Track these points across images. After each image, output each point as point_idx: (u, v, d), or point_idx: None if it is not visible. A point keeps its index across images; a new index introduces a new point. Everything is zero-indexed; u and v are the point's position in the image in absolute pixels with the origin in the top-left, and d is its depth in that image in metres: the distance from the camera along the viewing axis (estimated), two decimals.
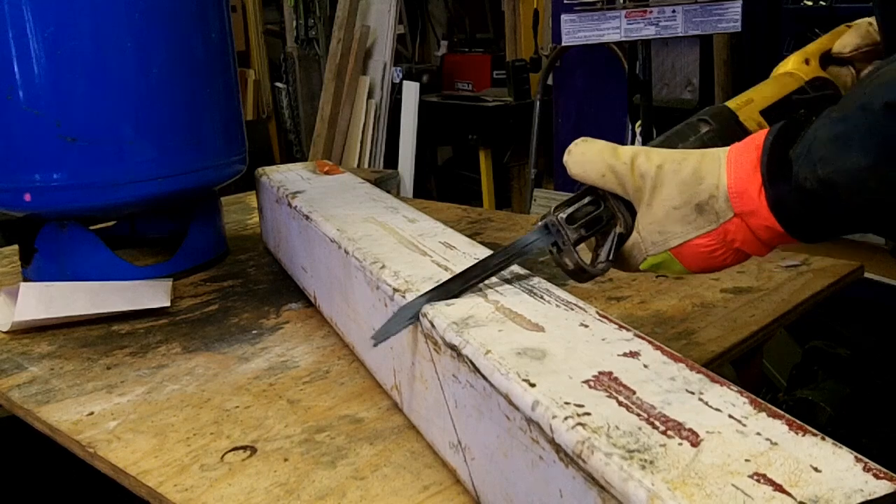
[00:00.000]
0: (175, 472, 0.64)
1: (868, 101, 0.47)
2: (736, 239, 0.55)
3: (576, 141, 0.61)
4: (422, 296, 0.61)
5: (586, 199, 0.60)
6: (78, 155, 1.01)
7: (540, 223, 0.62)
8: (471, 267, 0.63)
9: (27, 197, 1.03)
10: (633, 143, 2.54)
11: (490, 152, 3.40)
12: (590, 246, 0.62)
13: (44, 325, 0.96)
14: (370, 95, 3.72)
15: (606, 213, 0.60)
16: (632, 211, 0.59)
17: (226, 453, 0.66)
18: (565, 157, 0.61)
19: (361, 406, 0.73)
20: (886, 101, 0.45)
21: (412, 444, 0.65)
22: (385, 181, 3.12)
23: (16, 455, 1.20)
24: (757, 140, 0.53)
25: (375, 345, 0.61)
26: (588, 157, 0.59)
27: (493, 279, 0.65)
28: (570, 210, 0.60)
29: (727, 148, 0.55)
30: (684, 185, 0.55)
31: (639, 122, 2.26)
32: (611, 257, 0.60)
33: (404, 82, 3.69)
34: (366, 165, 3.65)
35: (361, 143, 3.70)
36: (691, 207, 0.55)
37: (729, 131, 0.61)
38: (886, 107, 0.45)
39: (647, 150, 0.58)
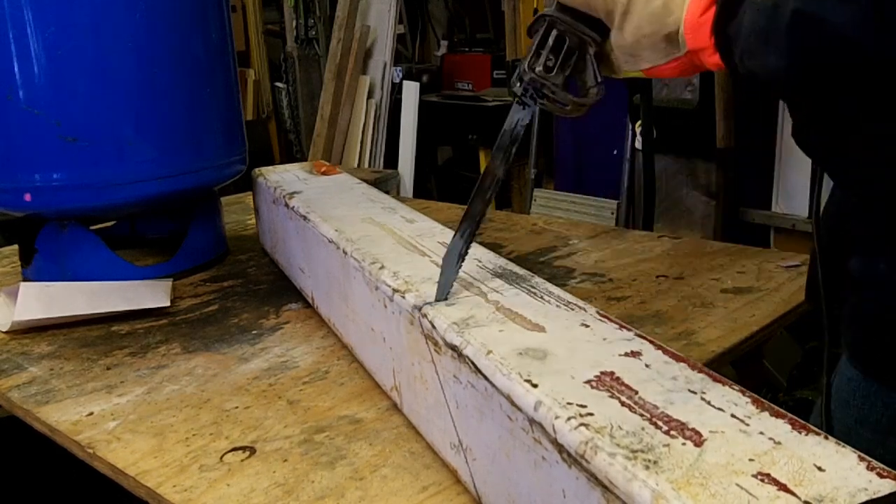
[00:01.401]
0: (174, 472, 0.64)
1: (779, 1, 0.46)
2: (699, 64, 0.56)
3: None
4: (455, 235, 0.63)
5: (551, 41, 0.60)
6: (78, 155, 1.01)
7: (518, 89, 0.62)
8: (480, 180, 0.64)
9: (27, 197, 1.02)
10: (633, 143, 2.54)
11: (490, 152, 3.39)
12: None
13: (43, 325, 0.95)
14: (370, 95, 3.72)
15: (575, 39, 0.59)
16: (599, 29, 0.59)
17: (225, 454, 0.66)
18: None
19: (361, 406, 0.72)
20: (794, 9, 0.45)
21: (411, 445, 0.65)
22: (385, 181, 3.11)
23: (16, 455, 1.19)
24: None
25: (438, 300, 0.62)
26: None
27: (496, 281, 0.65)
28: (542, 59, 0.60)
29: None
30: (654, 15, 0.56)
31: (639, 122, 2.26)
32: (599, 79, 0.60)
33: (404, 82, 3.69)
34: (366, 165, 3.65)
35: (361, 143, 3.70)
36: (660, 37, 0.56)
37: None
38: (794, 14, 0.45)
39: None
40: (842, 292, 0.58)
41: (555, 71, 0.59)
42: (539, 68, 0.59)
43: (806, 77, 0.47)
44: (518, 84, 0.62)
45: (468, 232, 0.63)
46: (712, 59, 0.54)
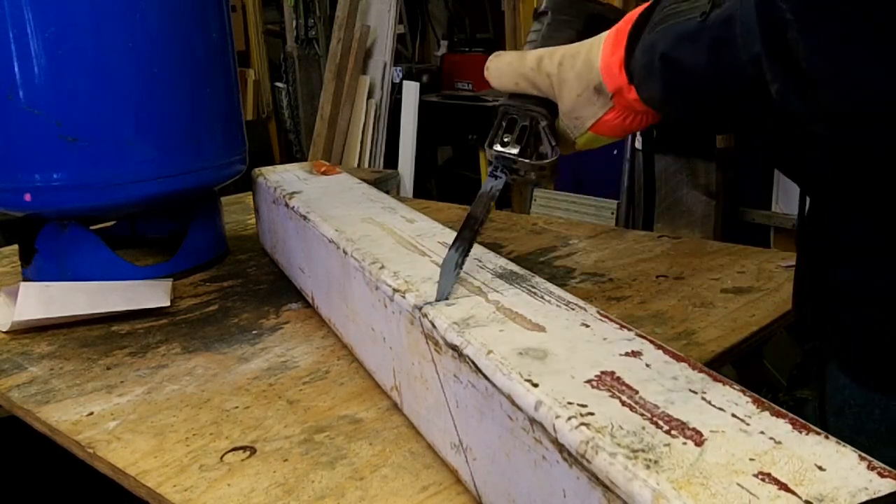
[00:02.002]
0: (174, 472, 0.64)
1: (656, 41, 0.53)
2: (629, 105, 0.60)
3: (490, 57, 0.68)
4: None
5: (504, 124, 0.68)
6: (78, 155, 1.01)
7: (489, 168, 0.69)
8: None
9: (27, 197, 1.02)
10: (634, 143, 2.54)
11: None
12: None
13: (43, 324, 0.95)
14: (370, 95, 3.72)
15: (525, 118, 0.67)
16: (549, 105, 0.66)
17: (225, 453, 0.66)
18: (486, 73, 0.69)
19: (361, 406, 0.72)
20: (661, 52, 0.52)
21: (411, 445, 0.65)
22: (385, 181, 3.12)
23: (16, 455, 1.19)
24: (622, 23, 0.59)
25: (438, 300, 0.64)
26: (502, 70, 0.67)
27: (496, 281, 0.65)
28: (503, 139, 0.67)
29: (611, 30, 0.61)
30: (580, 75, 0.61)
31: None
32: (553, 144, 0.67)
33: (404, 82, 3.69)
34: (366, 165, 3.65)
35: (361, 143, 3.70)
36: (591, 92, 0.61)
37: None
38: (661, 56, 0.52)
39: (549, 51, 0.64)
40: (830, 302, 0.58)
41: (512, 145, 0.67)
42: (499, 147, 0.67)
43: (676, 105, 0.55)
44: (490, 162, 0.70)
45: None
46: (632, 96, 0.59)
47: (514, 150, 0.66)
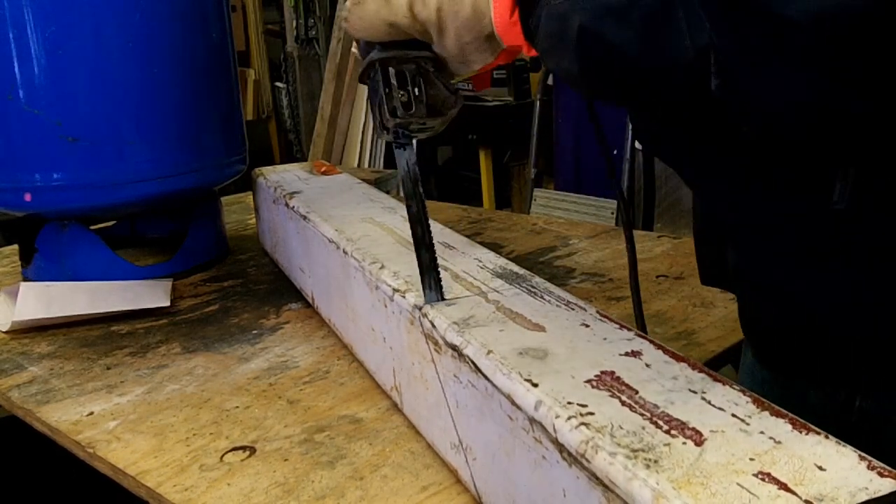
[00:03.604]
0: (174, 472, 0.64)
1: (569, 10, 0.48)
2: (522, 53, 0.57)
3: (347, 5, 0.61)
4: (417, 253, 0.63)
5: (393, 80, 0.60)
6: (79, 155, 1.01)
7: (388, 137, 0.63)
8: (410, 220, 0.63)
9: (27, 197, 1.02)
10: (633, 144, 2.54)
11: (490, 152, 3.40)
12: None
13: (43, 324, 0.95)
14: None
15: (412, 67, 0.60)
16: (426, 46, 0.60)
17: (225, 453, 0.66)
18: (344, 24, 0.62)
19: (361, 406, 0.72)
20: (580, 24, 0.47)
21: (411, 445, 0.65)
22: (385, 181, 3.11)
23: (16, 455, 1.19)
24: None
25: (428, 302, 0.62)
26: (367, 20, 0.60)
27: (496, 281, 0.65)
28: (396, 100, 0.60)
29: None
30: (468, 22, 0.57)
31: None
32: (451, 89, 0.61)
33: None
34: (366, 165, 3.65)
35: (361, 143, 3.70)
36: (481, 40, 0.58)
37: None
38: (580, 28, 0.47)
39: None
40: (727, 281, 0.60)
41: (414, 106, 0.60)
42: (400, 111, 0.60)
43: (593, 82, 0.50)
44: (385, 133, 0.63)
45: (424, 249, 0.63)
46: (531, 53, 0.56)
47: (421, 110, 0.60)
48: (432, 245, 0.62)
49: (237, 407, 0.74)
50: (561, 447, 0.42)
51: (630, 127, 2.42)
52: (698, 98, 0.43)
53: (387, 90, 0.60)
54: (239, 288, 1.08)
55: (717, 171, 0.54)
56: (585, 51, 0.47)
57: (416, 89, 0.60)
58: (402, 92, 0.59)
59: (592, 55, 0.47)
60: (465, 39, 0.58)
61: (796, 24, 0.35)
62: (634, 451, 0.39)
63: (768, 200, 0.51)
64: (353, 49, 0.66)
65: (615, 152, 2.63)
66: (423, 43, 0.60)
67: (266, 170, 1.17)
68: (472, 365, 0.52)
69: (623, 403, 0.43)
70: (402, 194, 0.64)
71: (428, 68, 0.60)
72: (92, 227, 1.11)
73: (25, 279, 1.12)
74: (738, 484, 0.36)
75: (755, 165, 0.50)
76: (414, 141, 0.62)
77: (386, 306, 0.67)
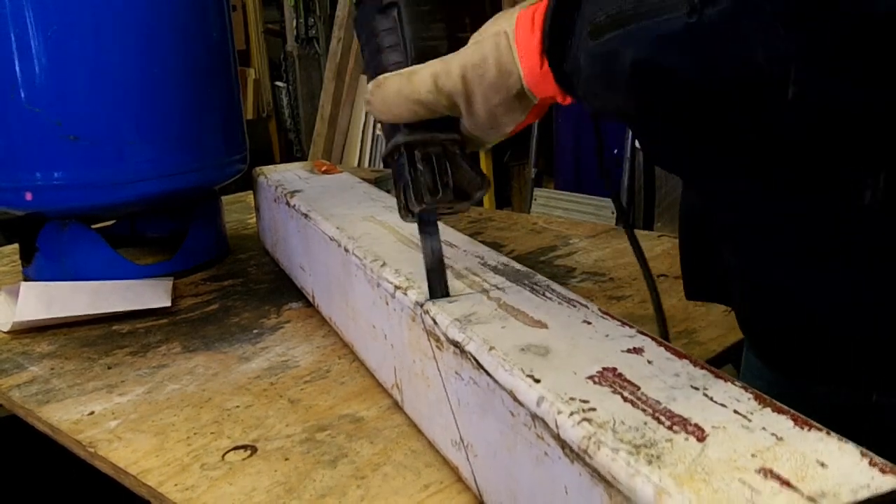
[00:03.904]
0: (175, 471, 0.64)
1: (618, 48, 0.45)
2: (558, 101, 0.55)
3: (370, 89, 0.59)
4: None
5: (420, 165, 0.57)
6: (79, 154, 1.01)
7: (411, 220, 0.61)
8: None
9: (28, 196, 1.02)
10: (633, 143, 2.54)
11: (490, 152, 3.40)
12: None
13: (44, 324, 0.95)
14: None
15: (438, 150, 0.58)
16: (452, 125, 0.57)
17: (226, 453, 0.66)
18: (368, 108, 0.59)
19: (362, 405, 0.72)
20: (634, 59, 0.44)
21: (413, 443, 0.65)
22: (385, 180, 3.11)
23: (16, 455, 1.19)
24: (537, 17, 0.52)
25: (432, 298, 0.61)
26: (391, 102, 0.57)
27: (497, 278, 0.65)
28: (423, 184, 0.57)
29: (513, 23, 0.53)
30: (496, 85, 0.54)
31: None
32: (479, 172, 0.59)
33: None
34: (366, 165, 3.65)
35: (361, 142, 3.70)
36: (511, 99, 0.54)
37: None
38: (634, 64, 0.44)
39: (442, 64, 0.55)
40: (724, 284, 0.60)
41: (441, 191, 0.57)
42: (427, 197, 0.57)
43: (651, 113, 0.48)
44: (410, 216, 0.61)
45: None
46: (566, 102, 0.53)
47: (447, 195, 0.57)
48: (440, 247, 0.61)
49: (238, 406, 0.74)
50: (563, 443, 0.42)
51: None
52: (769, 112, 0.41)
53: (412, 175, 0.58)
54: (239, 287, 1.08)
55: (717, 171, 0.54)
56: (641, 85, 0.45)
57: (443, 173, 0.57)
58: (427, 179, 0.57)
59: (650, 88, 0.45)
60: (493, 102, 0.54)
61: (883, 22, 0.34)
62: (637, 446, 0.39)
63: (769, 200, 0.51)
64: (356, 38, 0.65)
65: (615, 151, 2.63)
66: (449, 124, 0.58)
67: (267, 169, 1.18)
68: (473, 361, 0.52)
69: (625, 399, 0.43)
70: (427, 277, 0.61)
71: (454, 150, 0.58)
72: (92, 226, 1.11)
73: (26, 278, 1.12)
74: (740, 480, 0.36)
75: (757, 165, 0.50)
76: (438, 229, 0.61)
77: (387, 303, 0.67)
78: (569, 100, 0.53)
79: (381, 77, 0.58)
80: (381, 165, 3.64)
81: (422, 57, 0.57)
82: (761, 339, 0.60)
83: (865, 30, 0.36)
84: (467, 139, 0.59)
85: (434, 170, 0.57)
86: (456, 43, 0.57)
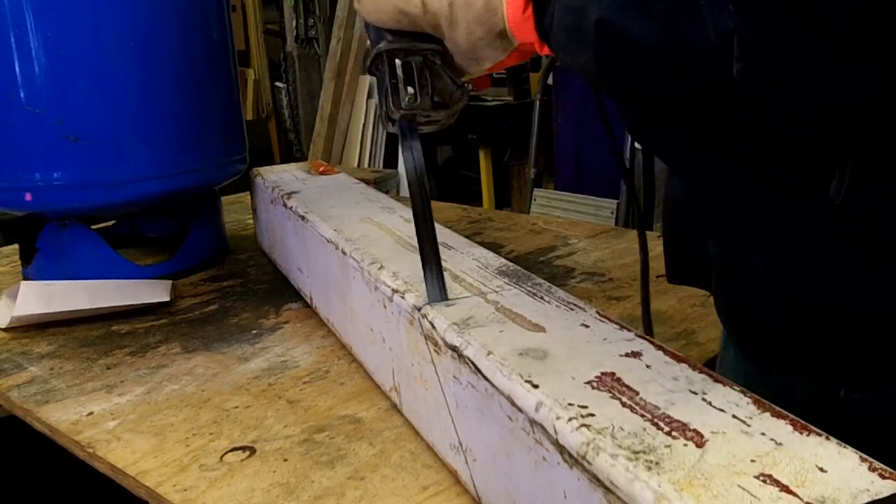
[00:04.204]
0: (174, 472, 0.64)
1: (585, 3, 0.47)
2: (535, 52, 0.56)
3: None
4: (420, 252, 0.62)
5: (400, 72, 0.59)
6: (79, 154, 1.01)
7: (393, 129, 0.62)
8: (416, 219, 0.62)
9: (28, 196, 1.02)
10: (633, 143, 2.54)
11: (490, 152, 3.40)
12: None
13: (44, 321, 0.95)
14: (370, 95, 3.72)
15: (419, 60, 0.59)
16: (435, 40, 0.59)
17: (225, 453, 0.66)
18: (356, 5, 0.61)
19: (361, 406, 0.72)
20: (598, 17, 0.45)
21: (411, 445, 0.65)
22: (385, 181, 3.12)
23: (15, 455, 1.19)
24: None
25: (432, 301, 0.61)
26: (379, 4, 0.59)
27: (496, 281, 0.65)
28: (402, 92, 0.59)
29: None
30: (480, 18, 0.56)
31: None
32: (458, 83, 0.60)
33: None
34: (366, 165, 3.65)
35: (361, 142, 3.70)
36: (493, 36, 0.56)
37: None
38: (598, 22, 0.45)
39: None
40: (705, 270, 0.60)
41: (419, 97, 0.59)
42: (405, 101, 0.59)
43: (611, 76, 0.49)
44: (391, 124, 0.62)
45: (429, 248, 0.62)
46: (544, 51, 0.54)
47: (426, 102, 0.59)
48: (436, 242, 0.62)
49: (237, 407, 0.74)
50: (562, 448, 0.42)
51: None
52: (718, 87, 0.42)
53: (393, 81, 0.59)
54: (239, 287, 1.08)
55: (686, 148, 0.54)
56: (604, 44, 0.46)
57: (423, 81, 0.59)
58: (408, 86, 0.59)
59: (611, 48, 0.46)
60: (476, 35, 0.56)
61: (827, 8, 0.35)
62: (636, 452, 0.38)
63: (767, 199, 0.51)
64: (362, 31, 0.65)
65: None
66: (434, 37, 0.59)
67: (264, 170, 1.17)
68: (472, 366, 0.51)
69: (624, 405, 0.43)
70: (406, 190, 0.63)
71: (435, 61, 0.59)
72: (92, 227, 1.11)
73: (26, 279, 1.12)
74: (739, 486, 0.36)
75: (721, 145, 0.50)
76: (418, 138, 0.62)
77: (385, 307, 0.66)
78: (546, 50, 0.54)
79: None
80: (381, 166, 3.64)
81: None
82: (748, 333, 0.60)
83: (808, 14, 0.36)
84: (450, 61, 0.60)
85: (413, 77, 0.59)
86: None
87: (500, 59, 0.58)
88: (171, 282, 1.07)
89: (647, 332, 0.63)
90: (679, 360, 0.48)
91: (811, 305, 0.52)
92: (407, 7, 0.58)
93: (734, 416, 0.41)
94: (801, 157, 0.47)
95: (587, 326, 0.54)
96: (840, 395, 0.53)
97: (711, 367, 0.49)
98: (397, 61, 0.59)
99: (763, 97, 0.41)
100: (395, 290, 0.65)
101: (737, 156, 0.50)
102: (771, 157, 0.48)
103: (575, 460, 0.40)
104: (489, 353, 0.51)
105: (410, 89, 0.58)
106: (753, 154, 0.49)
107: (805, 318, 0.53)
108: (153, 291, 1.01)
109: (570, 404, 0.43)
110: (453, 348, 0.54)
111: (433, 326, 0.57)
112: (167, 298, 1.00)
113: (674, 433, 0.40)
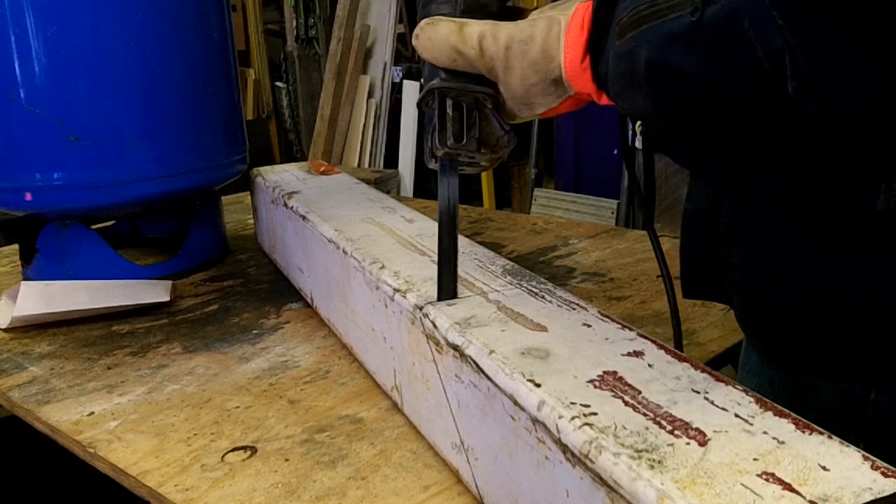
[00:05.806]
0: (175, 472, 0.64)
1: (635, 47, 0.47)
2: (590, 100, 0.57)
3: (421, 24, 0.60)
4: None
5: (450, 111, 0.59)
6: (80, 154, 1.01)
7: (435, 166, 0.62)
8: (440, 257, 0.62)
9: (28, 196, 1.02)
10: (633, 144, 2.54)
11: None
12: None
13: (44, 321, 0.95)
14: (370, 95, 3.72)
15: (470, 100, 0.59)
16: (488, 83, 0.59)
17: (226, 453, 0.66)
18: (414, 41, 0.60)
19: (362, 406, 0.72)
20: (646, 59, 0.46)
21: (412, 445, 0.65)
22: (385, 181, 3.11)
23: (16, 455, 1.19)
24: (586, 16, 0.54)
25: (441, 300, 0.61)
26: (436, 42, 0.59)
27: (497, 281, 0.65)
28: (448, 131, 0.59)
29: (569, 15, 0.55)
30: (536, 65, 0.56)
31: (639, 122, 2.25)
32: (506, 128, 0.61)
33: (404, 82, 3.69)
34: (366, 165, 3.65)
35: (361, 142, 3.70)
36: (548, 83, 0.57)
37: None
38: (647, 64, 0.45)
39: (492, 28, 0.58)
40: (727, 281, 0.59)
41: (465, 138, 0.59)
42: (450, 141, 0.59)
43: (668, 117, 0.48)
44: (433, 161, 0.63)
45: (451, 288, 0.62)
46: (602, 100, 0.55)
47: (471, 144, 0.59)
48: (456, 274, 0.62)
49: (238, 407, 0.74)
50: (564, 447, 0.42)
51: (631, 127, 2.41)
52: (774, 109, 0.41)
53: (441, 119, 0.59)
54: (239, 288, 1.08)
55: (736, 170, 0.53)
56: (657, 85, 0.46)
57: (471, 122, 0.59)
58: (455, 125, 0.59)
59: (665, 87, 0.46)
60: (530, 80, 0.57)
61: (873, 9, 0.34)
62: (638, 451, 0.38)
63: (810, 211, 0.51)
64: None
65: (615, 152, 2.64)
66: (488, 80, 0.59)
67: (264, 170, 1.17)
68: (473, 365, 0.51)
69: (626, 404, 0.43)
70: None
71: (486, 104, 0.60)
72: (93, 227, 1.11)
73: (26, 279, 1.12)
74: (742, 484, 0.36)
75: (774, 163, 0.49)
76: (457, 176, 0.62)
77: (386, 306, 0.66)
78: (604, 99, 0.54)
79: (435, 17, 0.60)
80: (382, 165, 3.64)
81: (469, 11, 0.60)
82: (772, 338, 0.59)
83: (856, 18, 0.35)
84: (502, 105, 0.61)
85: (462, 118, 0.59)
86: (503, 5, 0.60)
87: (552, 106, 0.58)
88: (171, 282, 1.07)
89: (678, 347, 0.62)
90: (681, 359, 0.48)
91: (844, 308, 0.51)
92: (464, 48, 0.58)
93: (736, 415, 0.41)
94: (850, 170, 0.47)
95: (589, 326, 0.54)
96: (871, 397, 0.53)
97: (713, 367, 0.49)
98: (448, 101, 0.60)
99: (818, 110, 0.41)
100: (396, 290, 0.65)
101: (785, 175, 0.50)
102: (819, 172, 0.48)
103: (577, 459, 0.40)
104: (491, 352, 0.51)
105: (457, 128, 0.59)
106: (800, 168, 0.49)
107: (837, 322, 0.52)
108: (153, 291, 1.01)
109: (572, 403, 0.43)
110: (455, 347, 0.54)
111: (435, 326, 0.57)
112: (167, 298, 1.00)
113: (676, 432, 0.40)
